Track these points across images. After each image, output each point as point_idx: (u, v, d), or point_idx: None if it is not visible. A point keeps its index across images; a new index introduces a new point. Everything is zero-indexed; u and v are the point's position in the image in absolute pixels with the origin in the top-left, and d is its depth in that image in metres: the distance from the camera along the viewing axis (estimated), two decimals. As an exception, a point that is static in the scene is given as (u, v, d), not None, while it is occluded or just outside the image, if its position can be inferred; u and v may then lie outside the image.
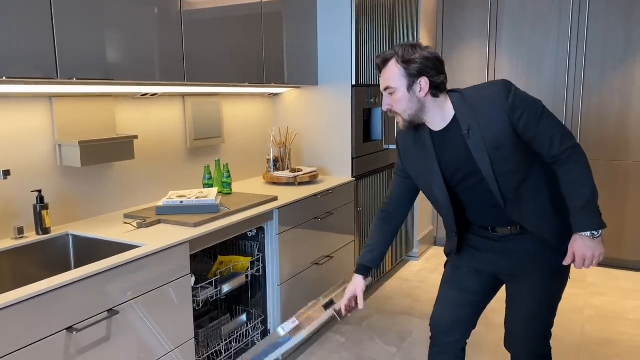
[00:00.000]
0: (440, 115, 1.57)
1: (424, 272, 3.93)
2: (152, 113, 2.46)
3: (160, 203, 2.17)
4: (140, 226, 2.00)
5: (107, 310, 1.57)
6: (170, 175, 2.58)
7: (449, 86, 1.57)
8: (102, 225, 2.05)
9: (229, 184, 2.61)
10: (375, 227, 1.86)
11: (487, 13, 4.13)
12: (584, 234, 1.50)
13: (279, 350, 1.67)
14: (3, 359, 1.30)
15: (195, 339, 1.97)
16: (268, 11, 2.67)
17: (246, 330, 2.50)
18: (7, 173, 1.66)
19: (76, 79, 1.70)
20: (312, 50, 3.13)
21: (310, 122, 3.29)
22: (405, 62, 1.52)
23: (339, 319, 1.76)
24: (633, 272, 3.88)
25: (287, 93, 3.33)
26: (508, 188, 1.56)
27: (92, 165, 2.10)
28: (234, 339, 2.41)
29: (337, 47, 3.13)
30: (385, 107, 1.60)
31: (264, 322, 2.52)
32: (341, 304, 1.74)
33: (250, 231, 2.44)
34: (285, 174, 2.96)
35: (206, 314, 2.50)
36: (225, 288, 2.27)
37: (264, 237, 2.43)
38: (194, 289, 2.06)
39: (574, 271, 3.87)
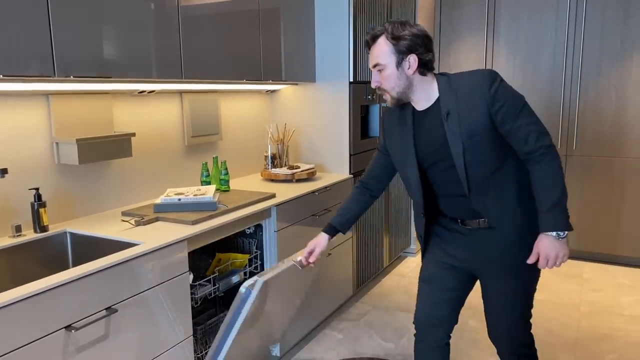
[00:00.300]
0: (425, 94, 1.60)
1: (421, 268, 3.94)
2: (150, 110, 2.45)
3: (158, 201, 2.17)
4: (138, 224, 2.00)
5: (106, 309, 1.57)
6: (168, 172, 2.58)
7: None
8: (100, 223, 2.05)
9: (227, 181, 2.61)
10: (352, 194, 1.92)
11: (485, 8, 4.12)
12: (549, 233, 1.52)
13: (247, 305, 1.71)
14: (2, 358, 1.30)
15: (194, 336, 1.97)
16: (265, 7, 2.66)
17: (244, 327, 2.50)
18: (4, 171, 1.65)
19: (73, 76, 1.70)
20: (309, 47, 3.12)
21: (308, 119, 3.29)
22: (395, 39, 1.54)
23: (299, 267, 1.86)
24: (629, 267, 3.91)
25: (284, 89, 3.33)
26: (475, 178, 1.58)
27: (90, 162, 2.09)
28: (232, 335, 2.41)
29: (334, 44, 3.13)
30: (374, 84, 1.62)
31: (262, 318, 2.53)
32: (302, 255, 1.86)
33: (248, 228, 2.44)
34: (283, 171, 2.96)
35: (204, 311, 2.51)
36: (223, 285, 2.28)
37: (262, 234, 2.43)
38: (192, 286, 2.07)
39: (570, 267, 3.89)
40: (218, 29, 2.34)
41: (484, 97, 1.51)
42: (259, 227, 2.43)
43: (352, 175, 3.18)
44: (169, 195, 2.21)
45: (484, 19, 4.14)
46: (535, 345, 1.84)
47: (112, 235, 1.87)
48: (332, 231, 1.89)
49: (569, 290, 3.47)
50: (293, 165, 3.07)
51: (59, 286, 1.43)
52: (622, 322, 3.00)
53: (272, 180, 2.98)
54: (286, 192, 2.63)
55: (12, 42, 1.53)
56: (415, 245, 4.19)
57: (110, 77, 1.84)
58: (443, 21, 4.30)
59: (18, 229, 1.86)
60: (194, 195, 2.20)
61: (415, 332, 1.86)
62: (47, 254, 1.91)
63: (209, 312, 2.51)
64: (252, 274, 2.48)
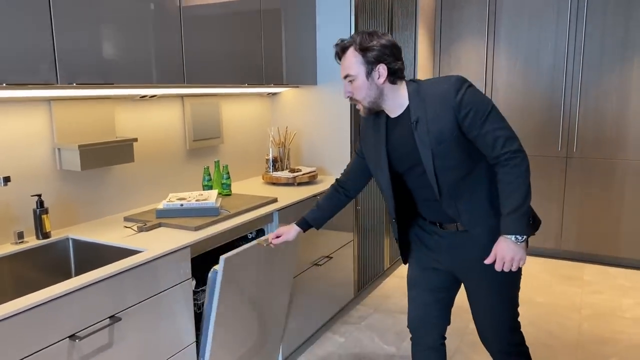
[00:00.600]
0: (397, 102, 1.63)
1: (422, 270, 3.94)
2: (151, 115, 2.45)
3: (161, 206, 2.17)
4: (140, 230, 2.00)
5: (109, 317, 1.57)
6: (169, 176, 2.58)
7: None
8: (102, 229, 2.05)
9: (229, 185, 2.61)
10: (329, 193, 1.98)
11: (486, 10, 4.12)
12: (508, 236, 1.54)
13: (217, 285, 1.86)
14: (6, 369, 1.30)
15: (197, 343, 1.97)
16: (267, 10, 2.65)
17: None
18: (7, 179, 1.65)
19: (76, 84, 1.69)
20: (310, 50, 3.12)
21: (309, 122, 3.29)
22: (363, 50, 1.57)
23: (264, 245, 2.01)
24: (630, 269, 3.91)
25: (286, 92, 3.32)
26: (446, 183, 1.61)
27: (92, 169, 2.09)
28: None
29: (336, 47, 3.11)
30: (346, 95, 1.65)
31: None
32: (269, 236, 1.99)
33: (251, 233, 2.43)
34: (285, 175, 2.95)
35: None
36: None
37: (264, 238, 2.43)
38: (194, 292, 2.06)
39: (571, 269, 3.89)
40: (220, 34, 2.34)
41: (451, 104, 1.53)
42: (261, 232, 2.42)
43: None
44: (171, 200, 2.20)
45: (484, 21, 4.14)
46: (529, 344, 1.86)
47: (114, 242, 1.87)
48: (304, 225, 1.96)
49: (569, 293, 3.47)
50: (294, 169, 3.07)
51: (62, 296, 1.42)
52: (624, 325, 3.00)
53: (274, 184, 2.98)
54: (288, 196, 2.62)
55: (15, 51, 1.52)
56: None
57: (113, 84, 1.83)
58: (444, 22, 4.30)
59: (20, 235, 1.86)
60: (196, 200, 2.20)
61: (410, 336, 1.90)
62: (50, 261, 1.90)
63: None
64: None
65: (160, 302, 1.76)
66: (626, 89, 3.73)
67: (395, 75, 1.59)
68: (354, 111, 3.15)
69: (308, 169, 3.09)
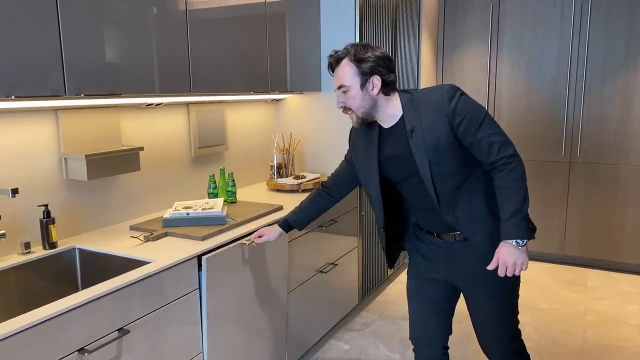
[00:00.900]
0: (390, 113, 1.64)
1: (425, 275, 3.93)
2: (157, 122, 2.44)
3: (167, 215, 2.16)
4: (147, 239, 1.99)
5: (118, 330, 1.56)
6: (175, 184, 2.57)
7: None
8: (109, 238, 2.04)
9: (234, 193, 2.60)
10: (313, 195, 2.01)
11: (489, 15, 4.12)
12: (509, 241, 1.54)
13: (203, 285, 1.89)
14: (17, 384, 1.29)
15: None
16: (272, 15, 2.65)
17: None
18: (15, 191, 1.64)
19: (84, 95, 1.69)
20: (315, 57, 3.11)
21: (313, 128, 3.28)
22: (358, 61, 1.58)
23: (247, 244, 2.06)
24: (634, 275, 3.91)
25: (290, 98, 3.32)
26: (444, 191, 1.61)
27: (99, 178, 2.08)
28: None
29: (340, 53, 3.11)
30: (339, 105, 1.66)
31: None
32: (252, 236, 2.04)
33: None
34: (289, 181, 2.95)
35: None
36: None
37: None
38: (201, 302, 2.06)
39: (574, 275, 3.89)
40: (225, 42, 2.34)
41: (445, 112, 1.55)
42: (266, 240, 2.42)
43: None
44: (177, 209, 2.20)
45: (487, 26, 4.13)
46: (533, 352, 1.87)
47: (121, 252, 1.86)
48: (286, 227, 2.00)
49: (573, 299, 3.47)
50: (299, 175, 3.06)
51: (70, 310, 1.41)
52: (629, 332, 3.00)
53: (278, 190, 2.97)
54: (293, 202, 2.62)
55: (23, 63, 1.52)
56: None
57: (121, 94, 1.83)
58: (447, 28, 4.30)
59: (27, 245, 1.85)
60: (202, 209, 2.19)
61: (413, 348, 1.91)
62: (56, 271, 1.90)
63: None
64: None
65: (168, 313, 1.75)
66: (630, 94, 3.73)
67: (388, 87, 1.61)
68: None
69: (312, 176, 3.08)
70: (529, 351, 2.50)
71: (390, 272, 3.73)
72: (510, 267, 1.55)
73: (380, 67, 1.58)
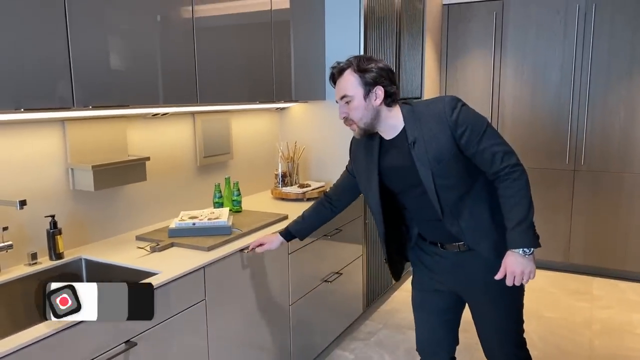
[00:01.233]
0: (392, 124, 1.64)
1: (429, 283, 3.92)
2: (163, 132, 2.45)
3: (173, 225, 2.16)
4: (153, 250, 1.99)
5: (125, 342, 1.56)
6: (180, 193, 2.57)
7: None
8: (115, 249, 2.04)
9: (239, 202, 2.60)
10: (315, 205, 2.03)
11: (492, 24, 4.13)
12: (515, 250, 1.54)
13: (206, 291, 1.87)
14: (25, 399, 1.29)
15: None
16: (277, 27, 2.65)
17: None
18: (23, 203, 1.64)
19: (92, 107, 1.69)
20: (319, 66, 3.12)
21: (318, 136, 3.28)
22: (362, 71, 1.59)
23: (245, 252, 2.05)
24: (639, 284, 3.89)
25: (294, 106, 3.32)
26: (447, 201, 1.61)
27: (105, 188, 2.08)
28: None
29: (345, 62, 3.12)
30: (341, 115, 1.65)
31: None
32: (252, 244, 2.02)
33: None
34: (294, 190, 2.95)
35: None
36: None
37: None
38: (207, 312, 2.05)
39: (579, 283, 3.87)
40: (230, 53, 2.34)
41: (447, 123, 1.55)
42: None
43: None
44: (183, 219, 2.20)
45: (491, 34, 4.14)
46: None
47: (128, 263, 1.86)
48: (287, 236, 2.00)
49: (579, 308, 3.45)
50: (303, 184, 3.06)
51: (78, 323, 1.41)
52: (636, 341, 2.98)
53: (283, 199, 2.97)
54: (298, 211, 2.58)
55: (32, 76, 1.52)
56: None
57: (129, 106, 1.83)
58: (450, 35, 4.30)
59: (34, 256, 1.85)
60: (208, 219, 2.19)
61: (420, 358, 1.91)
62: (63, 282, 1.88)
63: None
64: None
65: (175, 325, 1.75)
66: (634, 102, 3.73)
67: (390, 98, 1.61)
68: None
69: (317, 184, 3.08)
70: (535, 361, 2.49)
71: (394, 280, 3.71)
72: (518, 276, 1.54)
73: (383, 78, 1.59)
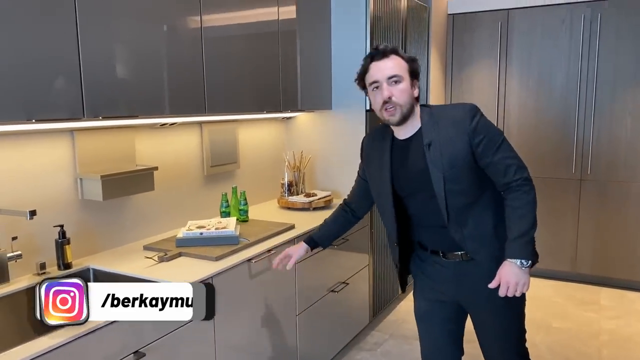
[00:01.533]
0: (411, 122, 1.64)
1: (436, 293, 3.90)
2: (170, 142, 2.46)
3: (180, 234, 2.16)
4: (161, 260, 1.99)
5: (134, 353, 1.55)
6: (188, 203, 2.58)
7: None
8: (123, 258, 2.04)
9: (246, 212, 2.61)
10: (336, 212, 2.02)
11: (497, 32, 4.13)
12: (513, 261, 1.54)
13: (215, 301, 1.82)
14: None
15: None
16: (284, 37, 2.67)
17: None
18: (33, 213, 1.65)
19: (102, 117, 1.70)
20: (326, 76, 3.13)
21: (324, 146, 3.29)
22: (410, 60, 1.62)
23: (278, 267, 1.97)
24: (646, 293, 3.86)
25: (301, 116, 3.33)
26: (455, 208, 1.61)
27: (114, 198, 2.09)
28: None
29: (351, 72, 3.12)
30: (386, 95, 1.58)
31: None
32: (277, 258, 1.95)
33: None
34: (300, 199, 2.95)
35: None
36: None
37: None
38: (214, 322, 2.05)
39: (587, 293, 3.84)
40: (238, 62, 2.36)
41: (466, 130, 1.56)
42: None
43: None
44: (191, 228, 2.20)
45: (496, 43, 4.15)
46: None
47: (136, 273, 1.86)
48: (312, 243, 1.98)
49: (587, 318, 3.43)
50: (310, 193, 3.06)
51: (87, 334, 1.41)
52: (644, 352, 2.96)
53: (289, 209, 2.97)
54: (304, 221, 2.61)
55: (43, 87, 1.53)
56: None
57: (138, 116, 1.84)
58: (455, 44, 4.32)
59: (42, 266, 1.86)
60: (216, 229, 2.19)
61: None
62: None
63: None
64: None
65: (183, 335, 1.74)
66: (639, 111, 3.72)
67: (418, 97, 1.65)
68: (369, 135, 3.15)
69: (323, 194, 3.08)
70: (544, 372, 2.47)
71: (400, 290, 3.69)
72: (512, 287, 1.54)
73: (419, 75, 1.63)
